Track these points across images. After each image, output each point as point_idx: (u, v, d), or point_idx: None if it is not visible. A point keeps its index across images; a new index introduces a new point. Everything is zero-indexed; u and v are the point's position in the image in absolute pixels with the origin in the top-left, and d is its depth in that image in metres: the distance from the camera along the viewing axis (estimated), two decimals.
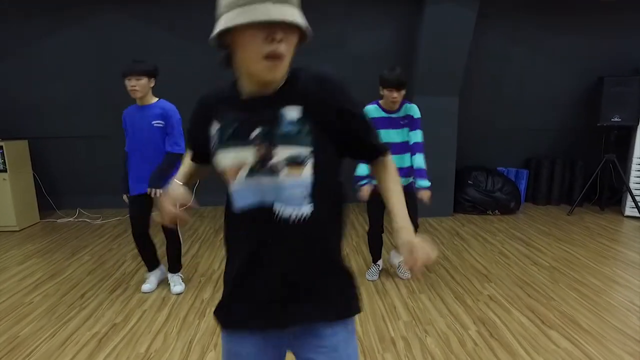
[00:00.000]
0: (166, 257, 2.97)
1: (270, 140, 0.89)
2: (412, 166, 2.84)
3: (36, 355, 2.24)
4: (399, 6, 4.30)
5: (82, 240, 4.21)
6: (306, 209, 0.92)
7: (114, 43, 4.50)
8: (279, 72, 0.87)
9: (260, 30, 0.81)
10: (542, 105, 5.07)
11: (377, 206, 2.92)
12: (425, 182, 2.80)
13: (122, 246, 3.98)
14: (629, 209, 4.66)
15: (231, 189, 0.96)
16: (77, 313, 2.70)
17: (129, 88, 2.61)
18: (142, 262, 3.08)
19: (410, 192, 2.85)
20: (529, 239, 4.03)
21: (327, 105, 0.92)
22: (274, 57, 0.83)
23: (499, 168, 5.32)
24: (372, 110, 2.78)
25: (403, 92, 2.65)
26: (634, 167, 4.59)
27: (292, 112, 0.90)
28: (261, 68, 0.84)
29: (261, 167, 0.90)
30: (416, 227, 2.94)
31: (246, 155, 0.91)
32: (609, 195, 5.04)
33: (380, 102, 2.78)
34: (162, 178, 2.61)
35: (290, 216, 0.91)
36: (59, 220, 4.89)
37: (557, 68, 4.84)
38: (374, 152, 1.06)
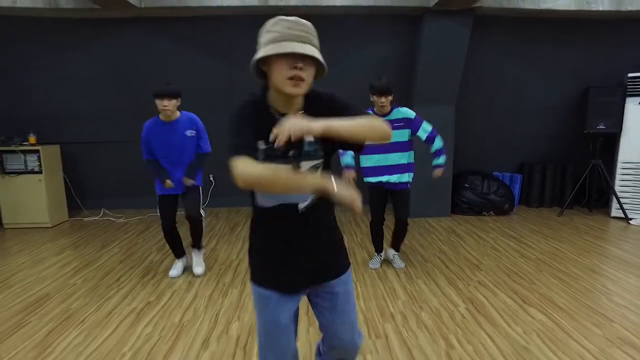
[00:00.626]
0: (190, 240, 3.44)
1: (298, 158, 1.30)
2: (405, 163, 3.26)
3: (87, 323, 2.62)
4: (399, 23, 4.72)
5: (109, 235, 4.60)
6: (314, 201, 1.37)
7: (135, 59, 4.95)
8: (300, 90, 1.23)
9: (287, 60, 1.19)
10: (534, 113, 5.46)
11: (379, 201, 3.33)
12: (441, 160, 3.29)
13: (147, 241, 4.37)
14: (615, 210, 5.00)
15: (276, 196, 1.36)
16: (115, 293, 3.08)
17: (160, 107, 3.04)
18: (167, 253, 3.51)
19: (402, 191, 3.31)
20: (519, 237, 4.38)
21: (333, 114, 1.25)
22: (296, 79, 1.21)
23: (494, 173, 5.69)
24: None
25: (390, 97, 3.11)
26: (618, 171, 4.94)
27: (308, 137, 1.18)
28: (287, 87, 1.22)
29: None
30: (406, 224, 3.37)
31: (284, 167, 1.24)
32: (597, 197, 5.39)
33: (374, 109, 3.24)
34: (196, 172, 3.23)
35: (308, 205, 1.35)
36: (85, 219, 5.30)
37: (547, 79, 5.23)
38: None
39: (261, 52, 1.21)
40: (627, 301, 2.86)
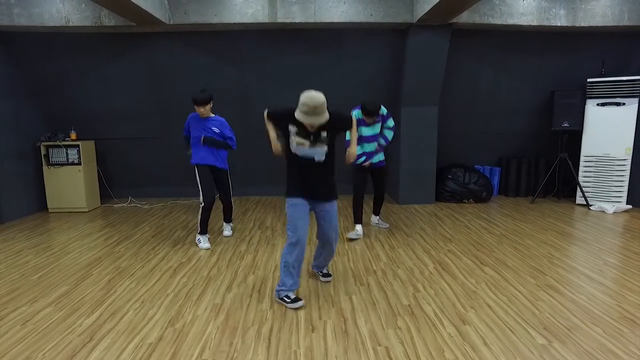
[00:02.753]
0: (223, 214, 4.49)
1: (317, 139, 2.71)
2: (380, 146, 4.26)
3: (137, 275, 3.38)
4: (388, 37, 5.45)
5: (139, 218, 5.36)
6: (323, 157, 2.77)
7: (163, 67, 5.72)
8: (314, 129, 2.67)
9: (310, 120, 2.60)
10: (509, 113, 6.17)
11: (362, 177, 4.29)
12: (382, 142, 4.31)
13: (171, 222, 5.12)
14: (579, 198, 5.70)
15: (297, 150, 2.73)
16: (153, 256, 3.83)
17: (197, 111, 3.93)
18: (192, 230, 4.31)
19: (381, 168, 4.34)
20: (491, 219, 5.09)
21: (338, 127, 2.82)
22: (312, 127, 2.66)
23: (476, 166, 6.40)
24: (356, 114, 4.10)
25: (375, 117, 4.08)
26: (582, 164, 5.64)
27: (324, 133, 2.72)
28: (308, 128, 2.68)
29: (312, 145, 2.72)
30: (383, 197, 4.52)
31: (307, 142, 2.71)
32: (565, 187, 6.09)
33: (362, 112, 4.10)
34: (215, 142, 4.01)
35: (319, 160, 2.76)
36: (115, 205, 6.07)
37: (517, 84, 5.94)
38: (349, 127, 2.93)
39: (299, 117, 2.60)
40: (564, 263, 3.57)
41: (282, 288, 2.81)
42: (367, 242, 4.21)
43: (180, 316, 2.68)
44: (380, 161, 4.34)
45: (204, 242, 4.14)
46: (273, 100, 5.93)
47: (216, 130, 4.01)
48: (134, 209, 5.87)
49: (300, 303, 2.77)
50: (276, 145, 2.83)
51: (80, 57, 5.49)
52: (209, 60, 5.67)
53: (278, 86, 5.85)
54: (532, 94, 6.00)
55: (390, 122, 4.24)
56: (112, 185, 6.37)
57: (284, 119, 2.72)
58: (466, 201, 5.98)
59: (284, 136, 2.76)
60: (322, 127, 2.66)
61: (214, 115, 4.05)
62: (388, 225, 4.70)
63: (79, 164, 5.56)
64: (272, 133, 2.86)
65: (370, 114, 4.00)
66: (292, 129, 2.69)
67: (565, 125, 5.59)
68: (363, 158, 4.22)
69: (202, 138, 3.96)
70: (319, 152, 2.72)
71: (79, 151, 5.53)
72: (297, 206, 2.78)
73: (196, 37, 5.46)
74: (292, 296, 2.80)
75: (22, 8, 4.66)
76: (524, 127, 6.26)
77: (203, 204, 4.03)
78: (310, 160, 2.73)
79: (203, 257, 3.84)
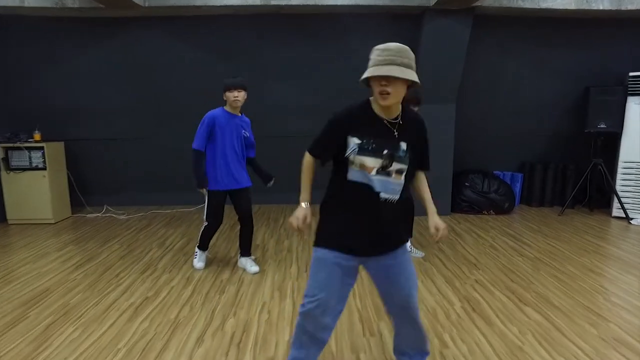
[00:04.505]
0: (239, 240, 3.51)
1: (391, 158, 1.63)
2: None
3: (86, 317, 2.66)
4: (399, 22, 4.73)
5: (111, 232, 4.65)
6: (397, 196, 1.68)
7: (139, 57, 4.99)
8: (387, 101, 1.57)
9: (376, 79, 1.56)
10: (535, 112, 5.44)
11: None
12: None
13: (148, 237, 4.41)
14: (616, 210, 4.98)
15: (363, 174, 1.64)
16: (114, 288, 3.12)
17: (231, 98, 3.11)
18: (168, 250, 3.60)
19: None
20: (518, 235, 4.37)
21: (419, 139, 1.74)
22: (382, 93, 1.56)
23: (495, 171, 5.68)
24: None
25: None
26: (619, 170, 4.92)
27: (403, 145, 1.66)
28: (378, 99, 1.59)
29: (382, 170, 1.63)
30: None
31: (377, 162, 1.62)
32: (598, 197, 5.37)
33: None
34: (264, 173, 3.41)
35: (387, 199, 1.66)
36: (88, 215, 5.35)
37: (547, 78, 5.21)
38: (424, 166, 1.85)
39: (366, 73, 1.57)
40: (624, 301, 2.85)
41: None
42: None
43: None
44: None
45: (199, 259, 3.50)
46: (267, 95, 5.22)
47: (246, 134, 3.27)
48: (109, 220, 5.16)
49: None
50: (302, 220, 1.71)
51: (44, 45, 4.78)
52: (193, 51, 4.94)
53: (272, 81, 5.13)
54: (563, 90, 5.26)
55: None
56: (86, 192, 5.65)
57: (339, 129, 1.64)
58: (486, 212, 5.26)
59: (337, 163, 1.71)
60: (404, 132, 1.66)
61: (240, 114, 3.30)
62: (424, 254, 3.74)
63: (44, 168, 4.84)
64: (306, 184, 1.77)
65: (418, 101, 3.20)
66: (353, 141, 1.61)
67: (602, 126, 4.86)
68: None
69: (269, 183, 3.38)
70: (391, 186, 1.64)
71: (43, 154, 4.81)
72: (329, 264, 1.67)
73: (178, 24, 4.74)
74: None
75: None
76: (552, 128, 5.53)
77: (207, 224, 3.33)
78: (373, 196, 1.64)
79: (176, 287, 3.13)
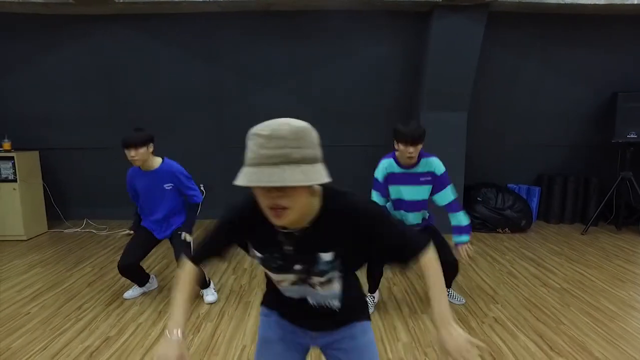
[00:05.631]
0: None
1: (308, 272, 1.13)
2: (420, 222, 2.74)
3: None
4: (404, 20, 4.29)
5: (86, 250, 4.21)
6: (336, 304, 1.21)
7: (118, 57, 4.58)
8: (285, 221, 0.98)
9: (262, 188, 0.94)
10: (554, 120, 4.96)
11: None
12: (464, 238, 2.65)
13: None
14: None
15: (276, 285, 1.23)
16: (72, 325, 2.67)
17: (129, 157, 2.70)
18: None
19: (428, 227, 2.77)
20: (539, 259, 3.88)
21: (358, 239, 1.09)
22: (274, 208, 0.96)
23: (509, 185, 5.19)
24: (387, 165, 2.62)
25: (419, 146, 2.48)
26: None
27: (326, 256, 1.10)
28: (270, 216, 0.98)
29: (302, 283, 1.17)
30: (456, 262, 2.75)
31: (290, 277, 1.16)
32: (626, 214, 4.85)
33: (396, 154, 2.60)
34: (191, 224, 2.94)
35: (323, 307, 1.21)
36: (66, 231, 4.92)
37: (568, 83, 4.73)
38: (407, 256, 1.15)
39: (240, 176, 0.93)
40: None
41: None
42: (379, 305, 2.98)
43: None
44: (422, 218, 2.78)
45: (131, 289, 3.11)
46: (255, 102, 4.76)
47: (168, 187, 2.85)
48: (88, 236, 4.73)
49: None
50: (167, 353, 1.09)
51: (10, 45, 4.38)
52: (174, 52, 4.52)
53: (261, 84, 4.69)
54: (586, 95, 4.78)
55: (452, 192, 2.62)
56: (65, 204, 5.22)
57: (230, 232, 1.19)
58: (500, 231, 4.76)
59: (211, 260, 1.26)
60: (321, 238, 1.09)
61: (160, 161, 2.84)
62: (464, 301, 3.00)
63: (14, 180, 4.42)
64: (178, 300, 1.18)
65: (412, 141, 2.41)
66: (254, 252, 1.19)
67: (632, 136, 4.36)
68: (466, 238, 2.69)
69: (185, 235, 2.87)
70: (319, 296, 1.20)
71: (14, 164, 4.39)
72: (272, 340, 1.30)
73: (156, 22, 4.32)
74: None
75: None
76: (573, 138, 5.04)
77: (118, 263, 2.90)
78: (302, 301, 1.23)
79: (143, 325, 2.68)
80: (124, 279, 3.43)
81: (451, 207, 2.62)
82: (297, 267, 1.13)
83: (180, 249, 2.85)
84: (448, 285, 2.88)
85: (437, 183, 2.60)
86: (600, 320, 2.71)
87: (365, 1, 3.86)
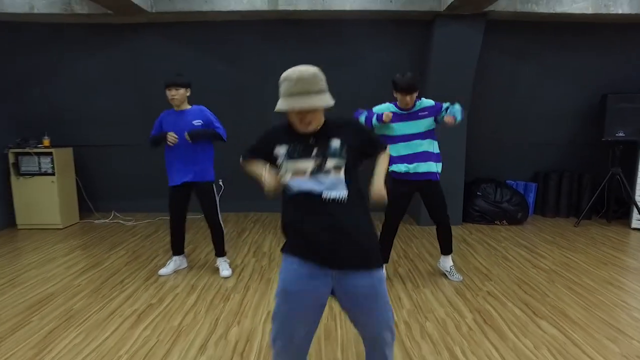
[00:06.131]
0: (212, 245, 3.53)
1: (323, 155, 1.53)
2: (428, 151, 3.11)
3: (88, 323, 2.62)
4: (409, 28, 4.67)
5: (117, 237, 4.63)
6: (343, 192, 1.53)
7: (147, 63, 5.01)
8: (310, 128, 1.53)
9: (294, 112, 1.49)
10: (550, 120, 5.31)
11: (398, 197, 3.15)
12: (455, 110, 2.98)
13: (154, 243, 4.38)
14: (636, 222, 4.81)
15: (294, 182, 1.55)
16: (118, 294, 3.08)
17: (169, 96, 3.14)
18: (172, 257, 3.51)
19: (434, 184, 3.14)
20: (532, 246, 4.24)
21: (354, 132, 1.63)
22: (304, 122, 1.50)
23: (508, 181, 5.55)
24: (389, 106, 3.12)
25: (415, 94, 2.96)
26: (639, 180, 4.75)
27: (335, 142, 1.56)
28: (300, 127, 1.53)
29: (319, 170, 1.52)
30: (448, 220, 3.25)
31: (309, 164, 1.53)
32: (616, 208, 5.19)
33: (396, 103, 3.11)
34: (201, 135, 3.22)
35: (334, 197, 1.52)
36: (95, 221, 5.35)
37: (562, 85, 5.09)
38: (377, 150, 1.78)
39: (278, 104, 1.49)
40: None
41: None
42: (387, 282, 3.37)
43: None
44: (431, 172, 3.11)
45: (165, 266, 3.53)
46: (271, 102, 5.17)
47: (197, 123, 3.24)
48: (116, 226, 5.15)
49: None
50: (270, 180, 1.62)
51: (54, 52, 4.83)
52: (200, 56, 4.95)
53: (277, 86, 5.10)
54: (579, 97, 5.14)
55: (446, 104, 3.06)
56: (94, 198, 5.66)
57: (267, 141, 1.66)
58: (498, 223, 5.12)
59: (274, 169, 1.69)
60: (331, 133, 1.57)
61: (190, 106, 3.30)
62: (462, 278, 3.35)
63: (53, 174, 4.86)
64: (258, 168, 1.73)
65: (407, 90, 2.90)
66: (281, 150, 1.58)
67: (620, 134, 4.71)
68: (402, 166, 3.09)
69: (187, 134, 3.17)
70: (332, 183, 1.52)
71: (52, 159, 4.84)
72: (291, 292, 1.53)
73: (185, 29, 4.75)
74: None
75: None
76: (567, 137, 5.40)
77: (169, 221, 3.41)
78: (317, 200, 1.52)
79: (180, 294, 3.07)
80: (157, 259, 3.86)
81: (455, 111, 2.99)
82: (315, 152, 1.53)
83: (208, 209, 3.33)
84: (449, 249, 3.35)
85: (434, 110, 3.08)
86: (580, 293, 3.07)
87: (374, 11, 4.26)
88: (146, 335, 2.49)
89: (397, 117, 3.09)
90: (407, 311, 2.80)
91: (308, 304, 1.53)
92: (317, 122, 1.53)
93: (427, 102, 3.12)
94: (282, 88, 1.47)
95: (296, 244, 1.56)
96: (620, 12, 4.13)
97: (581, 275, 3.42)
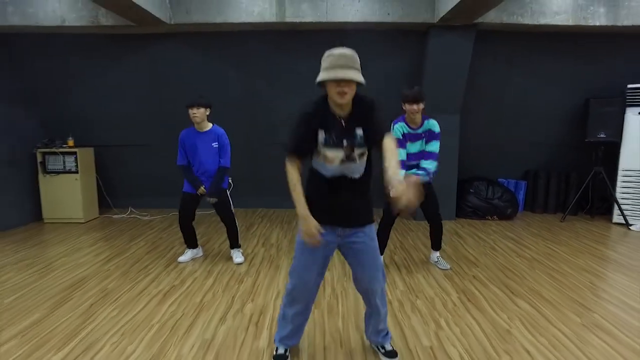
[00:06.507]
0: (227, 238, 3.95)
1: (351, 147, 1.87)
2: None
3: (122, 300, 3.01)
4: (406, 38, 5.05)
5: (136, 231, 5.02)
6: (362, 173, 1.95)
7: (164, 70, 5.42)
8: (345, 100, 1.79)
9: (335, 81, 1.76)
10: (538, 122, 5.68)
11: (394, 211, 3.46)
12: (422, 173, 3.32)
13: (170, 236, 4.77)
14: (616, 217, 5.16)
15: (326, 166, 1.90)
16: (144, 277, 3.47)
17: (191, 115, 3.51)
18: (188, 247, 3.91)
19: (427, 186, 3.42)
20: (519, 239, 4.60)
21: (368, 117, 1.89)
22: (341, 93, 1.76)
23: (499, 179, 5.91)
24: (399, 127, 3.38)
25: (421, 105, 3.30)
26: (619, 178, 5.11)
27: (359, 131, 1.88)
28: (337, 98, 1.79)
29: (348, 159, 1.89)
30: (440, 218, 3.59)
31: (340, 153, 1.88)
32: (599, 204, 5.55)
33: (405, 118, 3.39)
34: (218, 187, 3.64)
35: (356, 177, 1.94)
36: (114, 216, 5.75)
37: (549, 90, 5.46)
38: (380, 133, 1.91)
39: (319, 77, 1.79)
40: (611, 296, 3.07)
41: (275, 338, 2.28)
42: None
43: (162, 355, 2.29)
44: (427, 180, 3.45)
45: (183, 254, 3.92)
46: (280, 107, 5.58)
47: (215, 145, 3.62)
48: (133, 221, 5.54)
49: None
50: (312, 232, 1.88)
51: (79, 59, 5.24)
52: (214, 64, 5.35)
53: (286, 92, 5.50)
54: (564, 101, 5.51)
55: (436, 146, 3.38)
56: (112, 194, 6.06)
57: (308, 127, 1.85)
58: (489, 218, 5.49)
59: (309, 152, 1.94)
60: (357, 121, 1.86)
61: (211, 125, 3.66)
62: (450, 267, 3.69)
63: (76, 172, 5.27)
64: (301, 199, 1.90)
65: (413, 99, 3.22)
66: (320, 136, 1.86)
67: (602, 136, 5.08)
68: (423, 173, 3.35)
69: (209, 199, 3.59)
70: (356, 168, 1.92)
71: (76, 159, 5.24)
72: (309, 246, 1.95)
73: (200, 39, 5.16)
74: (280, 351, 2.22)
75: (16, 7, 4.41)
76: (554, 138, 5.76)
77: (178, 222, 3.81)
78: (342, 180, 1.92)
79: (198, 278, 3.46)
80: (175, 249, 4.25)
81: (431, 155, 3.38)
82: (345, 142, 1.85)
83: (222, 209, 3.75)
84: (438, 246, 3.69)
85: (429, 137, 3.38)
86: (556, 278, 3.43)
87: (374, 22, 4.63)
88: (172, 310, 2.87)
89: (406, 138, 3.39)
90: (400, 291, 3.17)
91: (318, 254, 2.01)
92: (351, 94, 1.77)
93: (433, 125, 3.38)
94: (326, 63, 1.76)
95: (317, 211, 1.90)
96: (597, 24, 4.50)
97: (560, 264, 3.78)
